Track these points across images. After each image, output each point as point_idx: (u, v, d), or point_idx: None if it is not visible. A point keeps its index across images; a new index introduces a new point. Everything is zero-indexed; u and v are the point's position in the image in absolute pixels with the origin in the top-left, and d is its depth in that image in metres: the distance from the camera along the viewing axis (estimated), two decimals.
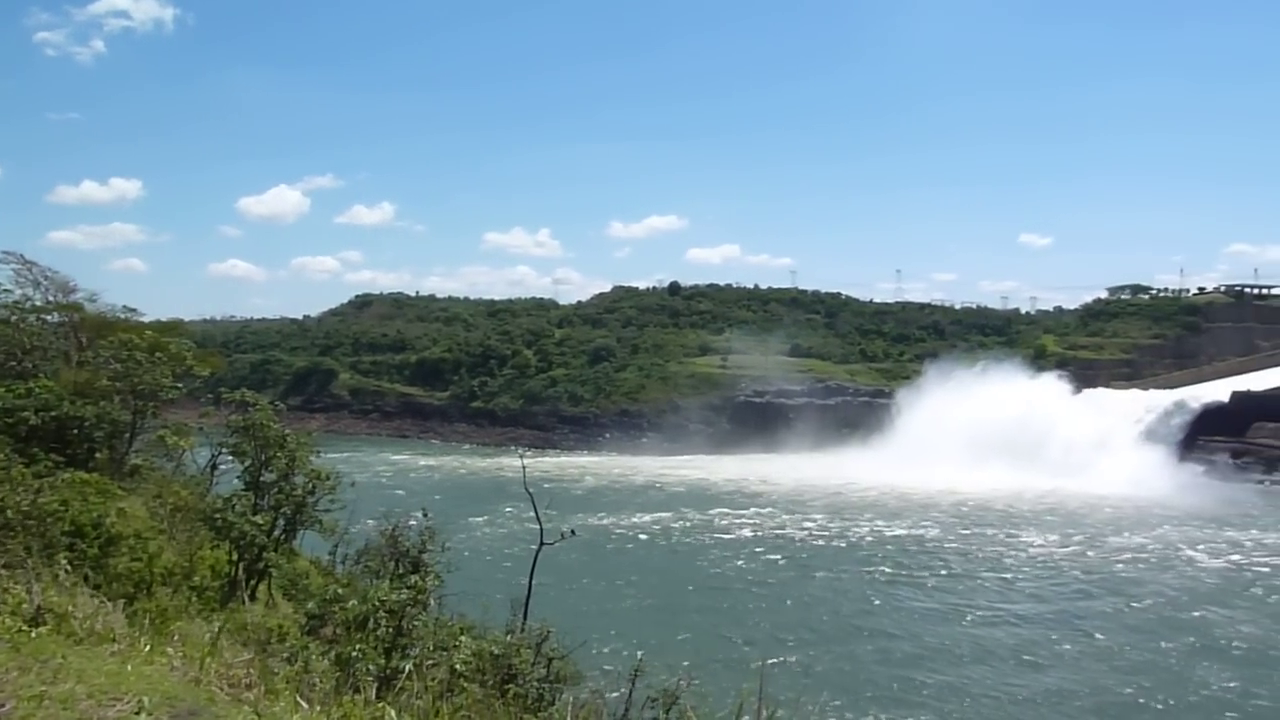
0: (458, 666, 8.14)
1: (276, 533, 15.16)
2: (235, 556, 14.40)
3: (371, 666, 7.48)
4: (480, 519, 52.77)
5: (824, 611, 36.26)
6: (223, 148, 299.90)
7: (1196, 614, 36.77)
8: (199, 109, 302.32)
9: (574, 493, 63.59)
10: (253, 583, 14.52)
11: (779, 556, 45.88)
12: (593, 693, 11.81)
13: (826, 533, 52.09)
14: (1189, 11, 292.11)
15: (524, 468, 16.54)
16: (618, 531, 51.55)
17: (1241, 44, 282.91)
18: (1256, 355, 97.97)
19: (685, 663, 14.73)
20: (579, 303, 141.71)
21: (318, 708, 5.35)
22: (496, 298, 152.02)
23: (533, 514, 14.13)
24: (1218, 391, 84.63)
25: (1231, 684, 29.04)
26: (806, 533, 51.78)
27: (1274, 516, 58.21)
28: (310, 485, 15.20)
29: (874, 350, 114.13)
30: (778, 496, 64.50)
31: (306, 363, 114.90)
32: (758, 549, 47.68)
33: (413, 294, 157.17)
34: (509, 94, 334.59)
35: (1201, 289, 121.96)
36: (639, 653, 12.06)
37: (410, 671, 7.06)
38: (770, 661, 27.18)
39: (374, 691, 6.42)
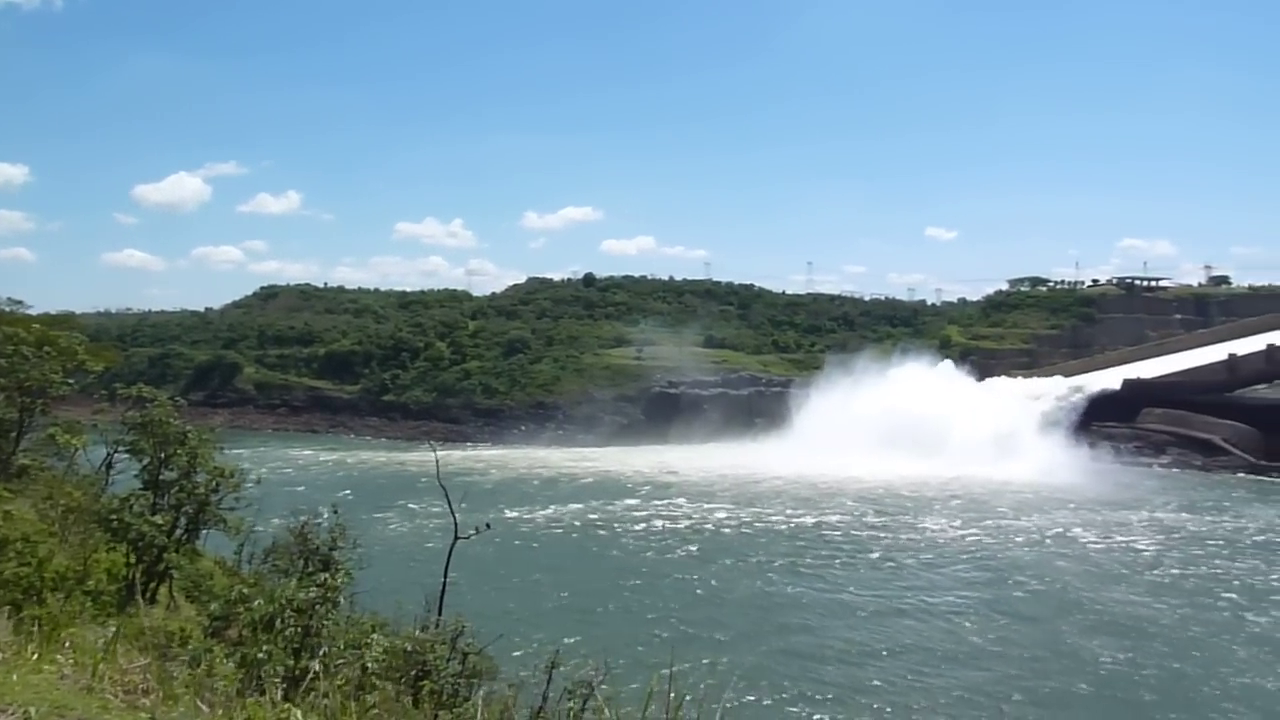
0: (369, 665, 7.96)
1: (178, 533, 14.59)
2: (133, 559, 13.80)
3: (279, 668, 7.26)
4: (393, 514, 51.89)
5: (733, 599, 36.78)
6: (117, 133, 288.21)
7: (1088, 593, 38.51)
8: (90, 92, 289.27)
9: (488, 486, 63.01)
10: (152, 585, 13.94)
11: (690, 546, 46.27)
12: (510, 686, 11.73)
13: (737, 522, 52.71)
14: (1086, 12, 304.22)
15: (437, 461, 16.32)
16: (532, 525, 51.30)
17: (1134, 40, 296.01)
18: (1145, 344, 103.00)
19: (601, 654, 14.71)
20: (493, 294, 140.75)
21: (219, 711, 5.16)
22: (408, 289, 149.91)
23: (446, 508, 13.94)
24: (1110, 379, 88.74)
25: (1121, 656, 30.52)
26: (717, 522, 52.31)
27: (1162, 498, 61.33)
28: (213, 483, 14.68)
29: (786, 341, 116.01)
30: (689, 487, 65.03)
31: (209, 356, 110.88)
32: (669, 539, 48.02)
33: (321, 285, 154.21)
34: (421, 85, 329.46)
35: (1095, 281, 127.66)
36: (556, 645, 12.01)
37: (320, 671, 6.87)
38: (680, 649, 27.37)
39: (281, 693, 6.23)
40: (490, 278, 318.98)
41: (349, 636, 8.99)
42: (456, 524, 13.41)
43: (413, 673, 9.03)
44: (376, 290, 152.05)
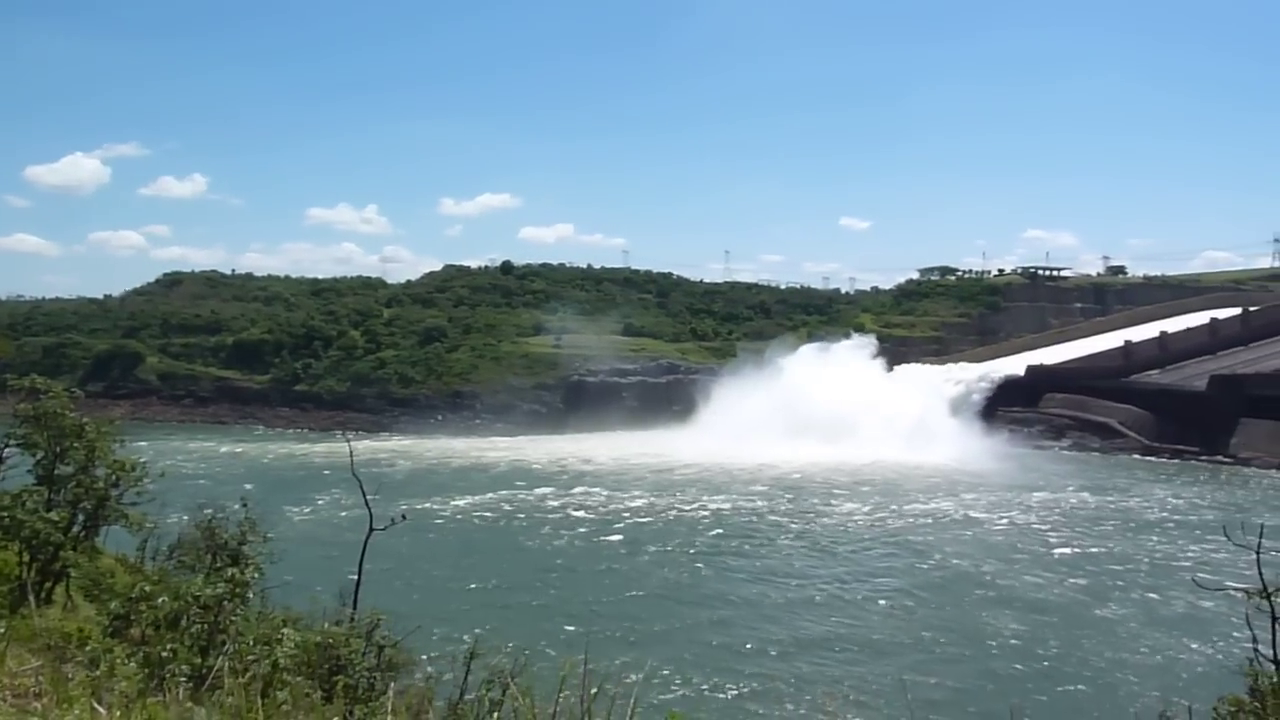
0: (280, 661, 7.74)
1: (75, 530, 13.96)
2: (26, 558, 13.15)
3: (184, 666, 7.00)
4: (306, 507, 50.71)
5: (649, 588, 36.97)
6: (8, 113, 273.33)
7: (994, 572, 39.92)
8: None
9: (404, 477, 62.03)
10: (48, 585, 13.32)
11: (607, 535, 46.32)
12: (427, 678, 11.58)
13: (653, 510, 52.98)
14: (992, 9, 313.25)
15: (351, 452, 15.95)
16: (449, 515, 50.73)
17: (1040, 46, 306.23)
18: (1048, 332, 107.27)
19: (520, 644, 14.66)
20: (409, 282, 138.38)
21: (118, 713, 4.94)
22: (321, 276, 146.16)
23: (361, 500, 13.64)
24: (1015, 366, 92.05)
25: (1020, 629, 31.74)
26: (634, 511, 52.44)
27: (1063, 479, 63.90)
28: (113, 477, 14.07)
29: (704, 329, 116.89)
30: (607, 475, 65.13)
31: (109, 346, 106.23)
32: (586, 529, 47.97)
33: (229, 272, 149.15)
34: (333, 66, 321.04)
35: (1001, 271, 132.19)
36: (474, 637, 11.90)
37: (227, 669, 6.64)
38: (597, 638, 27.41)
39: (184, 692, 6.00)
40: (406, 265, 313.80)
41: (259, 632, 8.73)
42: (371, 516, 13.14)
43: (326, 668, 8.81)
44: (287, 277, 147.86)
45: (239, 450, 75.99)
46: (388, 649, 10.35)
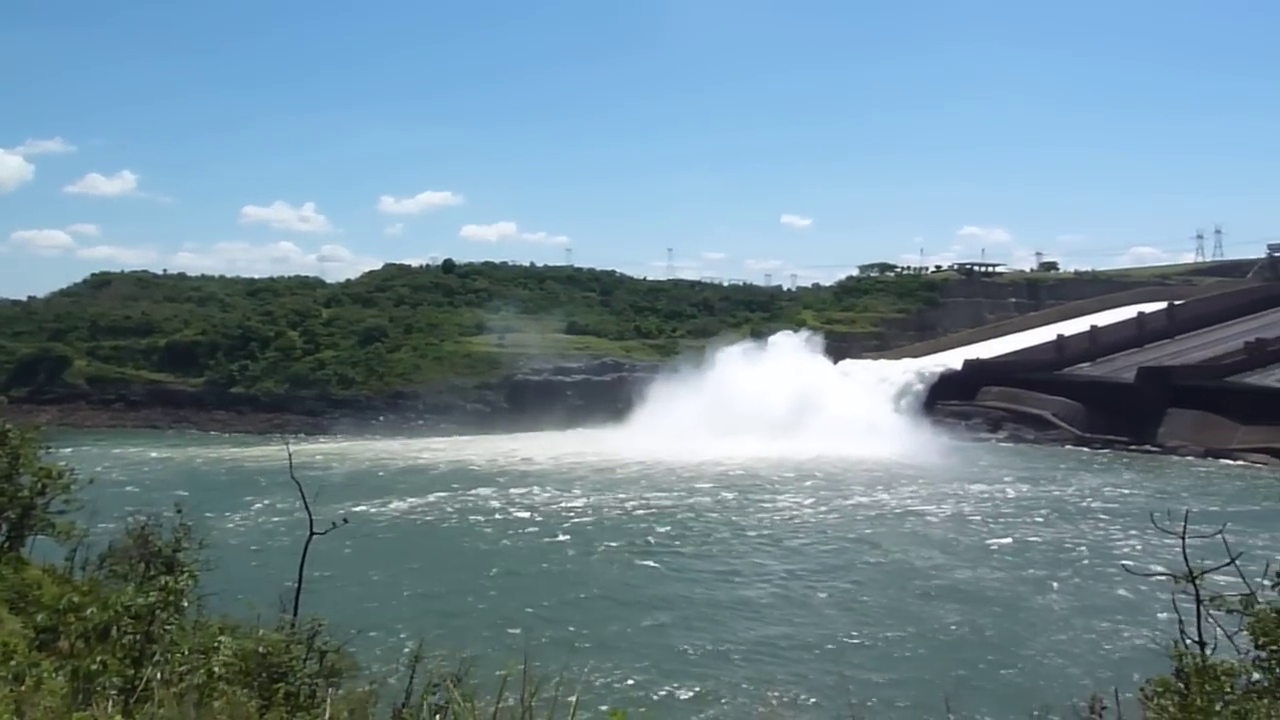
0: (217, 669, 7.56)
1: None
2: None
3: (115, 678, 6.79)
4: (244, 512, 49.63)
5: (592, 585, 36.98)
6: None
7: (929, 561, 40.77)
8: None
9: (345, 479, 61.02)
10: None
11: (551, 535, 46.11)
12: (371, 683, 11.40)
13: (597, 507, 52.98)
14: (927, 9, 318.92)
15: (290, 455, 15.68)
16: (391, 518, 50.10)
17: (974, 62, 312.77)
18: (984, 327, 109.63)
19: (462, 646, 14.51)
20: (348, 281, 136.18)
21: None
22: (257, 276, 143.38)
23: (301, 503, 13.39)
24: (953, 360, 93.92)
25: (958, 619, 32.42)
26: (578, 510, 52.30)
27: (999, 470, 65.38)
28: (39, 485, 13.65)
29: (648, 327, 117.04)
30: (551, 474, 64.96)
31: (33, 349, 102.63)
32: (529, 528, 47.75)
33: (160, 272, 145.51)
34: (268, 59, 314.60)
35: (939, 267, 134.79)
36: (418, 640, 11.76)
37: (161, 680, 6.47)
38: (539, 637, 27.31)
39: (114, 705, 5.83)
40: (345, 264, 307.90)
41: (195, 642, 8.51)
42: (312, 519, 12.88)
43: (265, 675, 8.63)
44: (222, 277, 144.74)
45: (172, 455, 74.06)
46: (330, 655, 10.16)
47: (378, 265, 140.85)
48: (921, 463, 68.10)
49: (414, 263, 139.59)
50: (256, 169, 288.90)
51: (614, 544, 44.08)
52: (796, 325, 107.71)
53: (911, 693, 25.26)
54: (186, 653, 7.84)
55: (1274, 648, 6.10)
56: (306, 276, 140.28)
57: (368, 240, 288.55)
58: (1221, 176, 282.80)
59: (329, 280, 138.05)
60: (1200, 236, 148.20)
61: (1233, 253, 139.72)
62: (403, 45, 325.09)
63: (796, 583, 37.39)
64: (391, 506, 52.38)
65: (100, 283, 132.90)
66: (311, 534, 13.05)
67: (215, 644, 8.29)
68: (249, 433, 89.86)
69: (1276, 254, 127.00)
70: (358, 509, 49.89)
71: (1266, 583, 6.49)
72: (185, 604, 10.13)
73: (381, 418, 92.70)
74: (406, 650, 9.06)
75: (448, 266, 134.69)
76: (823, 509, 52.74)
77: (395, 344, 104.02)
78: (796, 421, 79.02)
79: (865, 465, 67.60)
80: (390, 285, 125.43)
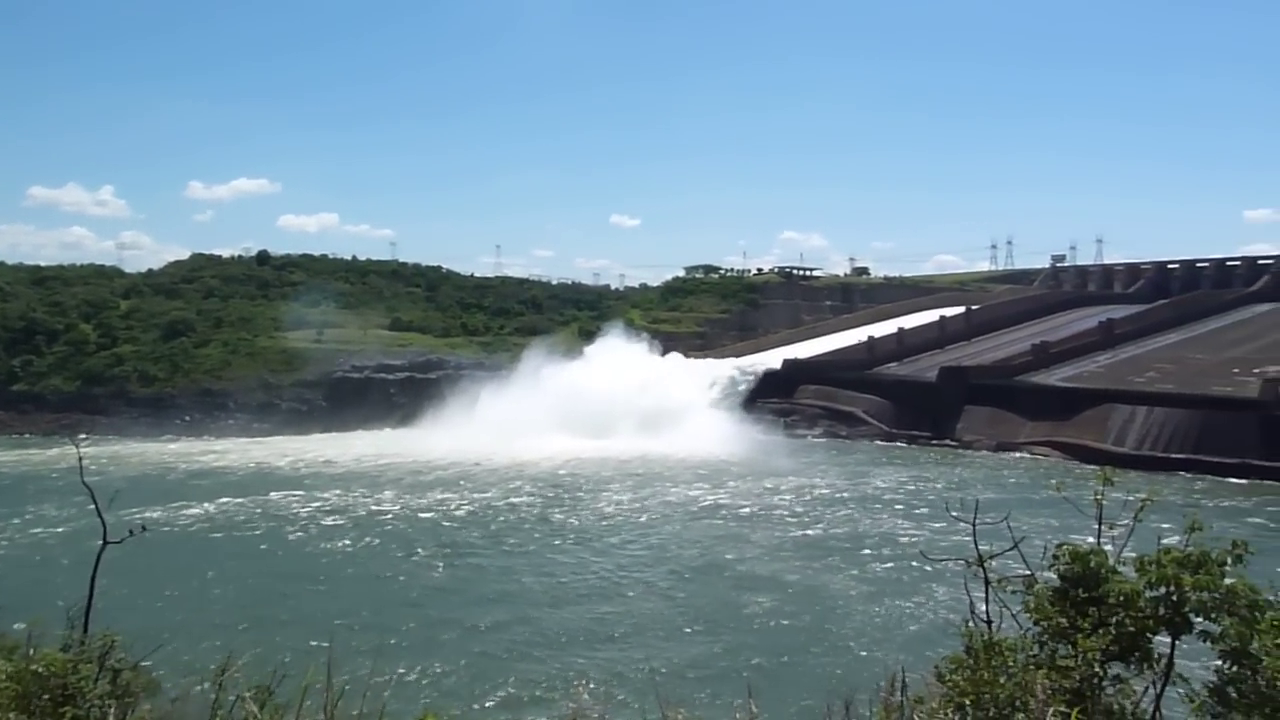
0: None
1: None
2: None
3: None
4: (26, 520, 45.48)
5: (403, 589, 36.11)
6: None
7: (741, 553, 42.04)
8: None
9: (139, 482, 56.88)
10: None
11: (361, 538, 44.46)
12: (173, 701, 10.70)
13: (412, 508, 51.71)
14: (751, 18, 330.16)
15: (80, 458, 14.42)
16: (193, 524, 47.13)
17: (785, 73, 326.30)
18: (801, 328, 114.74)
19: (267, 657, 13.84)
20: (150, 271, 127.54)
21: None
22: (44, 263, 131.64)
23: (92, 510, 12.37)
24: (773, 360, 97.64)
25: (766, 608, 33.49)
26: (394, 513, 50.75)
27: (813, 465, 68.43)
28: None
29: (475, 324, 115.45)
30: (365, 474, 63.01)
31: None
32: (339, 532, 45.69)
33: None
34: (61, 24, 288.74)
35: (760, 269, 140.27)
36: (225, 654, 11.12)
37: None
38: (347, 644, 26.28)
39: None
40: (147, 253, 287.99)
41: None
42: (105, 527, 11.94)
43: (48, 699, 7.94)
44: (3, 264, 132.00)
45: None
46: (125, 673, 9.45)
47: (184, 255, 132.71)
48: (741, 459, 70.33)
49: (225, 253, 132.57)
50: (45, 146, 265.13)
51: (427, 547, 43.03)
52: (624, 324, 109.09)
53: (717, 682, 26.06)
54: None
55: (1046, 623, 6.71)
56: (102, 265, 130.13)
57: (173, 228, 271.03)
58: (1013, 185, 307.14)
59: (128, 270, 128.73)
60: (994, 246, 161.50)
61: (1022, 262, 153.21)
62: (220, 15, 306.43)
63: (609, 579, 37.75)
64: (190, 512, 49.22)
65: None
66: (105, 543, 12.10)
67: None
68: (33, 434, 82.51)
69: (1058, 264, 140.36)
70: (155, 515, 46.73)
71: (1046, 564, 7.11)
72: None
73: (187, 417, 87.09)
74: (211, 666, 8.53)
75: (262, 258, 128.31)
76: (641, 505, 53.49)
77: (203, 339, 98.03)
78: (622, 419, 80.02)
79: (688, 462, 69.17)
80: (198, 276, 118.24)
